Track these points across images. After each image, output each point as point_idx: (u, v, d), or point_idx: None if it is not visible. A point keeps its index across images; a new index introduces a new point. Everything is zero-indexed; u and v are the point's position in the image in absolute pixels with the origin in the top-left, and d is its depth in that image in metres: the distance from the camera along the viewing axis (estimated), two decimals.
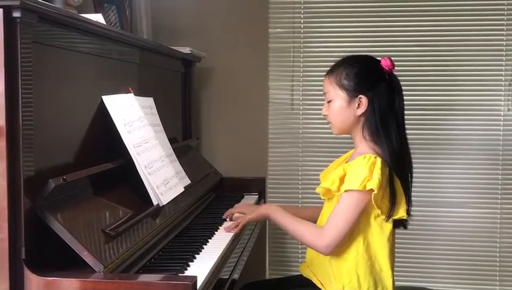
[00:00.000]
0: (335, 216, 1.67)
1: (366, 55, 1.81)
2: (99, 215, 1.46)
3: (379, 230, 1.69)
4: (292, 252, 2.89)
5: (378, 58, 1.77)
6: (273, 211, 1.86)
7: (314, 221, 1.89)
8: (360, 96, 1.71)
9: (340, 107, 1.74)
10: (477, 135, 2.76)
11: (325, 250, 1.69)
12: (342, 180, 1.69)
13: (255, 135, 2.87)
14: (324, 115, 1.81)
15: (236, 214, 2.02)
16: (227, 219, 2.06)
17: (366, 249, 1.70)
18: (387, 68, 1.73)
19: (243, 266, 1.98)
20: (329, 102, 1.77)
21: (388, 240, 1.70)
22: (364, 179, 1.62)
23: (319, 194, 1.80)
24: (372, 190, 1.61)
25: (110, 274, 1.29)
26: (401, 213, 1.69)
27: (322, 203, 1.86)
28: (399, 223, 1.74)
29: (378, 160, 1.65)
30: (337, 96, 1.74)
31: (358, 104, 1.72)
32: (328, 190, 1.72)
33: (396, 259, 1.83)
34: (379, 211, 1.67)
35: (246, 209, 2.03)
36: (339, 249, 1.70)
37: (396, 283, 1.77)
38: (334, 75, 1.75)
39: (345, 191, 1.66)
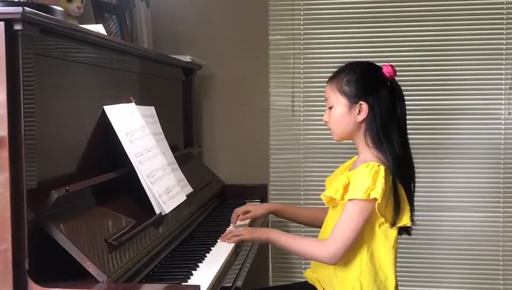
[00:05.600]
0: (340, 226, 1.67)
1: (367, 62, 1.81)
2: (102, 225, 1.47)
3: (384, 238, 1.69)
4: (295, 259, 2.88)
5: (380, 64, 1.78)
6: (272, 234, 1.83)
7: (316, 221, 1.89)
8: (361, 102, 1.71)
9: (341, 113, 1.74)
10: (478, 139, 2.76)
11: (331, 260, 1.68)
12: (345, 188, 1.69)
13: (257, 142, 2.87)
14: (325, 122, 1.81)
15: (236, 230, 1.96)
16: (232, 223, 2.09)
17: (370, 258, 1.69)
18: (388, 75, 1.73)
19: (246, 273, 1.98)
20: (330, 108, 1.78)
21: (393, 248, 1.70)
22: (368, 188, 1.61)
23: (321, 199, 1.79)
24: (375, 199, 1.61)
25: (114, 284, 1.30)
26: (405, 220, 1.68)
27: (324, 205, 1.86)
28: (403, 230, 1.74)
29: (382, 168, 1.65)
30: (338, 103, 1.75)
31: (359, 110, 1.72)
32: (332, 198, 1.72)
33: (398, 264, 1.83)
34: (383, 220, 1.67)
35: (252, 208, 2.09)
36: (344, 258, 1.70)
37: (399, 288, 1.77)
38: (335, 81, 1.76)
39: (349, 200, 1.65)
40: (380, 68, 1.75)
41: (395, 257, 1.73)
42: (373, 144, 1.72)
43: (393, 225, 1.67)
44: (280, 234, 1.82)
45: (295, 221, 2.16)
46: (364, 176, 1.64)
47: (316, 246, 1.73)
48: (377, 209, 1.63)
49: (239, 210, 2.10)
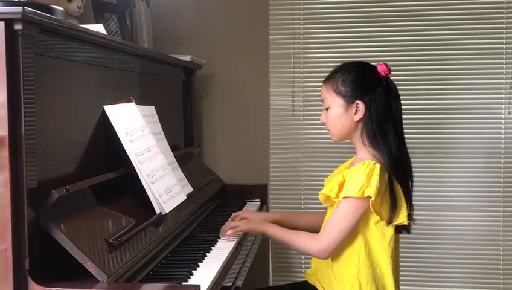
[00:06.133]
0: (332, 222, 1.69)
1: (362, 61, 1.81)
2: (102, 225, 1.47)
3: (380, 236, 1.70)
4: (295, 259, 2.89)
5: (374, 64, 1.78)
6: (269, 226, 1.87)
7: (317, 226, 1.89)
8: (357, 102, 1.72)
9: (337, 113, 1.75)
10: (478, 138, 2.76)
11: (322, 254, 1.70)
12: (340, 186, 1.70)
13: (257, 141, 2.87)
14: (323, 123, 1.81)
15: (233, 222, 1.98)
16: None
17: (368, 256, 1.70)
18: (383, 73, 1.73)
19: (246, 273, 1.98)
20: (327, 109, 1.78)
21: (389, 246, 1.70)
22: (362, 186, 1.62)
23: (321, 201, 1.80)
24: (369, 197, 1.62)
25: (114, 284, 1.30)
26: (401, 219, 1.69)
27: (326, 208, 1.86)
28: (402, 229, 1.74)
29: (377, 166, 1.65)
30: (334, 103, 1.75)
31: (356, 110, 1.72)
32: (328, 196, 1.73)
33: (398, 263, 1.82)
34: (378, 217, 1.67)
35: (248, 215, 2.05)
36: (339, 255, 1.71)
37: (400, 287, 1.78)
38: (331, 82, 1.76)
39: (343, 197, 1.66)
40: (375, 67, 1.75)
41: (393, 255, 1.72)
42: (369, 143, 1.73)
43: (389, 223, 1.68)
44: (275, 227, 1.85)
45: (297, 228, 2.16)
46: (359, 174, 1.65)
47: (308, 239, 1.74)
48: (371, 207, 1.63)
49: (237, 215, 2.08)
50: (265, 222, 1.95)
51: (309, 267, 1.92)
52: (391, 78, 1.76)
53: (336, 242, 1.67)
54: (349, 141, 1.81)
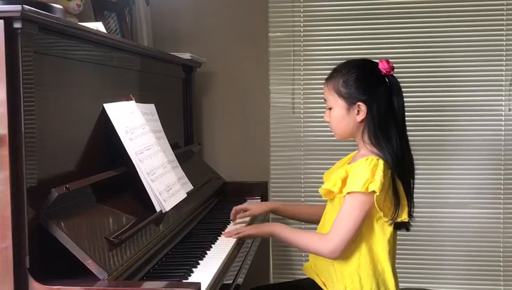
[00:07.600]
0: (339, 220, 1.68)
1: (363, 60, 1.80)
2: (102, 223, 1.47)
3: (380, 232, 1.70)
4: (296, 256, 2.89)
5: (376, 60, 1.77)
6: (275, 228, 1.85)
7: (317, 218, 1.90)
8: (359, 103, 1.71)
9: (340, 114, 1.74)
10: (478, 135, 2.76)
11: (332, 254, 1.69)
12: (344, 181, 1.70)
13: (257, 139, 2.87)
14: (326, 122, 1.81)
15: (240, 225, 2.00)
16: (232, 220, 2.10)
17: (369, 251, 1.70)
18: (385, 71, 1.72)
19: (246, 270, 1.99)
20: (330, 109, 1.78)
21: (389, 242, 1.70)
22: (367, 180, 1.62)
23: (321, 195, 1.80)
24: (374, 192, 1.62)
25: (114, 282, 1.30)
26: (403, 216, 1.69)
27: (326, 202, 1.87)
28: (401, 226, 1.74)
29: (381, 162, 1.65)
30: (336, 105, 1.75)
31: (358, 111, 1.72)
32: (330, 191, 1.73)
33: (399, 260, 1.83)
34: (381, 213, 1.67)
35: (250, 207, 2.09)
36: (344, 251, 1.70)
37: (399, 284, 1.78)
38: (332, 82, 1.75)
39: (348, 193, 1.66)
40: (376, 64, 1.74)
41: (392, 251, 1.73)
42: (371, 142, 1.73)
43: (393, 220, 1.68)
44: (282, 228, 1.84)
45: (296, 219, 2.17)
46: (363, 169, 1.64)
47: (317, 240, 1.74)
48: (375, 203, 1.63)
49: (238, 208, 2.12)
50: (271, 224, 1.96)
51: (307, 262, 1.92)
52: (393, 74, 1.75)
53: (345, 241, 1.66)
54: (349, 138, 1.81)
